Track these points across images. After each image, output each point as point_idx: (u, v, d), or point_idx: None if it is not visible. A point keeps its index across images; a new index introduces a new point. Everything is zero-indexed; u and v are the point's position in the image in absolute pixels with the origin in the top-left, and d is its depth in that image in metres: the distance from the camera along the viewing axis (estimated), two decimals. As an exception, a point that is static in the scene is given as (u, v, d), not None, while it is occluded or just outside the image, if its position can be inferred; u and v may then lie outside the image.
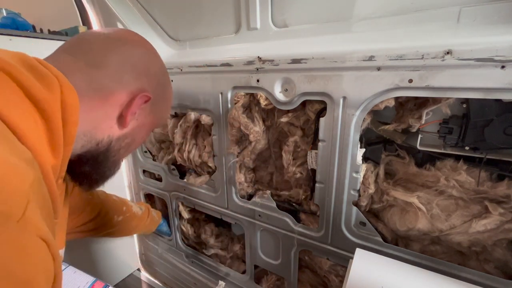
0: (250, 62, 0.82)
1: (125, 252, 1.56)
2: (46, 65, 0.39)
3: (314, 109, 0.80)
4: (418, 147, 0.71)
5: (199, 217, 1.42)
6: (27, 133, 0.33)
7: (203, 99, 1.00)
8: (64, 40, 1.12)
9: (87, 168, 0.48)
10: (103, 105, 0.45)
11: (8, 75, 0.34)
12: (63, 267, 0.76)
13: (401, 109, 0.73)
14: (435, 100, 0.65)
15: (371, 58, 0.63)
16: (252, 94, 0.90)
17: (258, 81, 0.84)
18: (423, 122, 0.68)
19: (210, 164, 1.10)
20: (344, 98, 0.70)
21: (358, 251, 0.68)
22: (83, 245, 1.34)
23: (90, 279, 0.77)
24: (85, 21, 1.24)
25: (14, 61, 0.36)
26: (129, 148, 0.54)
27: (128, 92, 0.47)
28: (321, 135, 0.77)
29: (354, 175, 0.75)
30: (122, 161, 0.58)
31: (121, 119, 0.48)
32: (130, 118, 0.48)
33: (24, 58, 0.38)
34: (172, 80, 1.05)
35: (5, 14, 1.08)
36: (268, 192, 1.00)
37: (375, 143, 0.80)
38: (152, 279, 1.61)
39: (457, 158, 0.69)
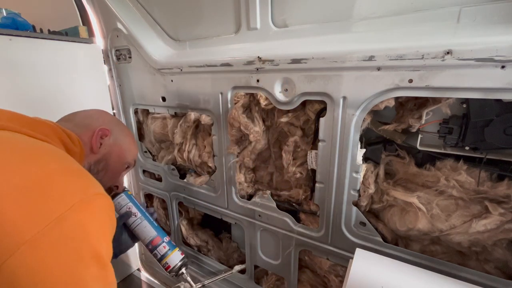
0: (250, 62, 0.82)
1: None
2: (71, 133, 0.61)
3: (314, 109, 0.80)
4: (418, 147, 0.71)
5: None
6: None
7: (203, 99, 1.00)
8: (64, 40, 1.12)
9: None
10: (82, 139, 0.64)
11: (56, 135, 0.56)
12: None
13: (401, 109, 0.73)
14: (435, 100, 0.65)
15: (371, 58, 0.63)
16: (252, 94, 0.90)
17: (258, 81, 0.84)
18: (423, 122, 0.68)
19: (210, 164, 1.10)
20: (344, 98, 0.70)
21: (358, 251, 0.68)
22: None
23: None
24: (85, 21, 1.24)
25: (52, 123, 0.59)
26: (107, 172, 0.71)
27: (92, 130, 0.68)
28: (321, 135, 0.77)
29: (354, 175, 0.75)
30: (105, 188, 0.67)
31: (92, 148, 0.67)
32: (97, 145, 0.67)
33: (57, 128, 0.59)
34: (172, 80, 1.06)
35: (5, 14, 1.08)
36: (268, 192, 1.00)
37: (375, 143, 0.80)
38: (152, 279, 1.61)
39: (457, 158, 0.69)
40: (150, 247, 0.92)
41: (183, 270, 0.94)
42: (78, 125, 0.68)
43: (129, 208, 0.90)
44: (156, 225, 0.93)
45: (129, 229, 0.90)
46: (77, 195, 0.42)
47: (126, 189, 0.93)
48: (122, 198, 0.91)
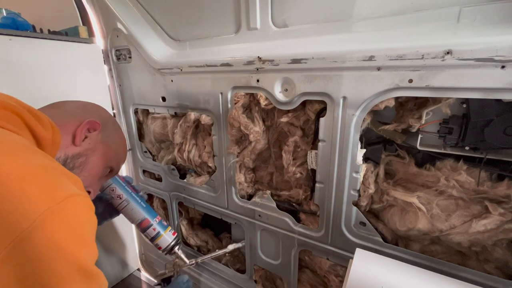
0: (250, 62, 0.82)
1: (125, 252, 1.56)
2: (42, 114, 0.50)
3: (314, 109, 0.80)
4: (418, 147, 0.71)
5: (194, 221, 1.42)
6: None
7: (203, 99, 1.00)
8: (64, 40, 1.12)
9: None
10: (64, 128, 0.57)
11: (20, 118, 0.46)
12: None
13: (401, 109, 0.73)
14: (435, 100, 0.65)
15: (371, 58, 0.63)
16: (252, 94, 0.90)
17: (258, 81, 0.84)
18: (423, 122, 0.68)
19: (210, 164, 1.10)
20: (344, 98, 0.70)
21: (358, 251, 0.68)
22: (83, 245, 1.34)
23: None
24: (85, 21, 1.24)
25: (16, 104, 0.47)
26: (83, 171, 0.61)
27: (80, 121, 0.60)
28: (321, 135, 0.77)
29: (354, 175, 0.75)
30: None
31: (74, 138, 0.59)
32: (80, 137, 0.59)
33: (21, 103, 0.49)
34: (172, 80, 1.06)
35: (5, 14, 1.08)
36: (268, 192, 1.00)
37: (375, 143, 0.80)
38: (152, 279, 1.61)
39: (457, 158, 0.69)
40: (140, 229, 0.89)
41: (176, 249, 0.93)
42: (65, 113, 0.61)
43: (113, 190, 0.84)
44: (145, 205, 0.89)
45: (116, 209, 0.87)
46: (42, 204, 0.34)
47: None
48: None
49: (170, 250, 0.92)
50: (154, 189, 1.38)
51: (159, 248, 0.91)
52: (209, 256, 1.09)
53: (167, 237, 0.91)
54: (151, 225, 0.88)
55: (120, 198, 0.84)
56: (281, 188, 1.01)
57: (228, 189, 1.06)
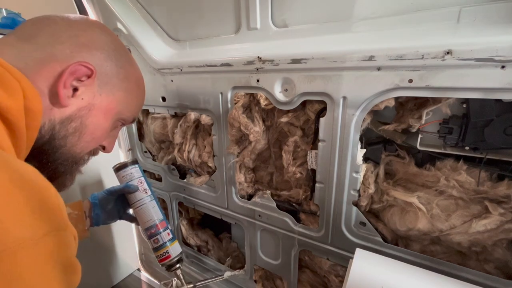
0: (250, 62, 0.82)
1: (125, 252, 1.56)
2: (3, 63, 0.35)
3: (314, 109, 0.80)
4: (418, 147, 0.71)
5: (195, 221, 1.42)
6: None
7: (203, 99, 1.00)
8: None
9: (36, 164, 0.39)
10: (35, 81, 0.38)
11: None
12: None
13: (401, 109, 0.73)
14: (435, 100, 0.65)
15: (371, 58, 0.63)
16: (252, 94, 0.90)
17: (258, 81, 0.84)
18: (423, 122, 0.68)
19: (210, 164, 1.10)
20: (344, 98, 0.70)
21: (358, 251, 0.68)
22: (83, 245, 1.34)
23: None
24: (85, 21, 1.24)
25: None
26: (82, 136, 0.45)
27: (62, 65, 0.41)
28: (321, 135, 0.77)
29: (354, 175, 0.75)
30: (81, 155, 0.49)
31: (55, 96, 0.41)
32: (64, 95, 0.41)
33: None
34: (172, 80, 1.05)
35: (5, 14, 1.09)
36: (268, 192, 1.00)
37: (375, 143, 0.80)
38: (152, 279, 1.61)
39: (457, 158, 0.69)
40: (153, 231, 0.79)
41: (179, 265, 0.85)
42: (40, 51, 0.41)
43: (141, 183, 0.79)
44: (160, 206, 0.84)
45: (128, 205, 0.81)
46: None
47: (137, 162, 0.83)
48: (136, 170, 0.80)
49: (175, 263, 0.83)
50: (154, 189, 1.38)
51: (167, 257, 0.81)
52: (206, 282, 1.03)
53: (177, 247, 0.84)
54: (167, 228, 0.81)
55: (146, 192, 0.79)
56: (281, 188, 1.01)
57: (228, 189, 1.06)
